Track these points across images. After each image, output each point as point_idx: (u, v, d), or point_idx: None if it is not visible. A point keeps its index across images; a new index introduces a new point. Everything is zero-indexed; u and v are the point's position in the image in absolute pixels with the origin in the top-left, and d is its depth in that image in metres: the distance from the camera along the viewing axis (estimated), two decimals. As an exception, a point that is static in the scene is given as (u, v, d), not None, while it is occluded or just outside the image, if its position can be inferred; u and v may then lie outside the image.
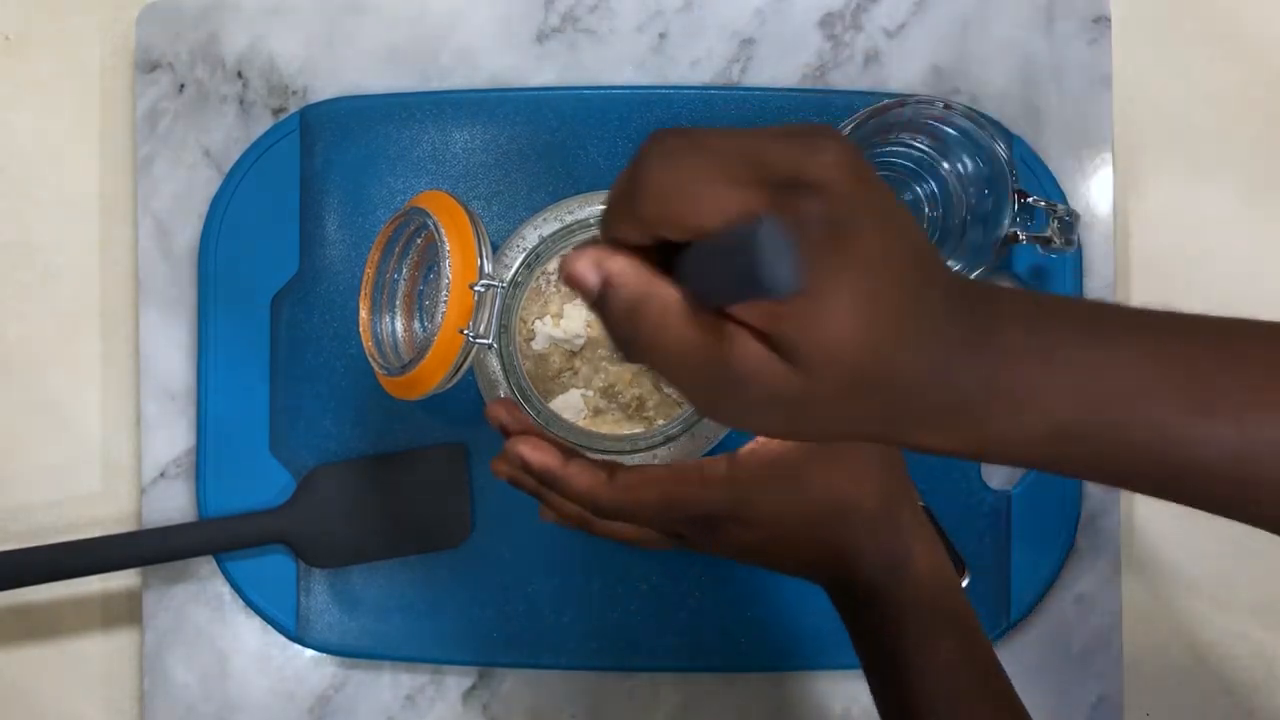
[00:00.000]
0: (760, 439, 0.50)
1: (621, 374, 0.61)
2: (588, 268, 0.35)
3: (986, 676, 0.49)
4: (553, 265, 0.62)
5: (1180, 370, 0.35)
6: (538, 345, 0.61)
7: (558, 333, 0.61)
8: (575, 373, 0.62)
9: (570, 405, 0.61)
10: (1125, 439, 0.35)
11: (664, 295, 0.34)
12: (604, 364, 0.61)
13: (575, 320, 0.61)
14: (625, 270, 0.35)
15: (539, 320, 0.61)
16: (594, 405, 0.61)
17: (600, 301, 0.36)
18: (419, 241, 0.61)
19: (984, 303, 0.35)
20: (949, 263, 0.62)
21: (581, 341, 0.61)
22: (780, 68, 0.68)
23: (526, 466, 0.50)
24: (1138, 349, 0.35)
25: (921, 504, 0.64)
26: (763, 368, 0.33)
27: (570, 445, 0.50)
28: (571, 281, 0.36)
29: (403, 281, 0.62)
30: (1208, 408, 0.35)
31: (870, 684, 0.50)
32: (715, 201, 0.32)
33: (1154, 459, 0.36)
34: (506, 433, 0.51)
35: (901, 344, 0.33)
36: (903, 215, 0.35)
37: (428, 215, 0.57)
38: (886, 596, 0.49)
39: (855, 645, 0.51)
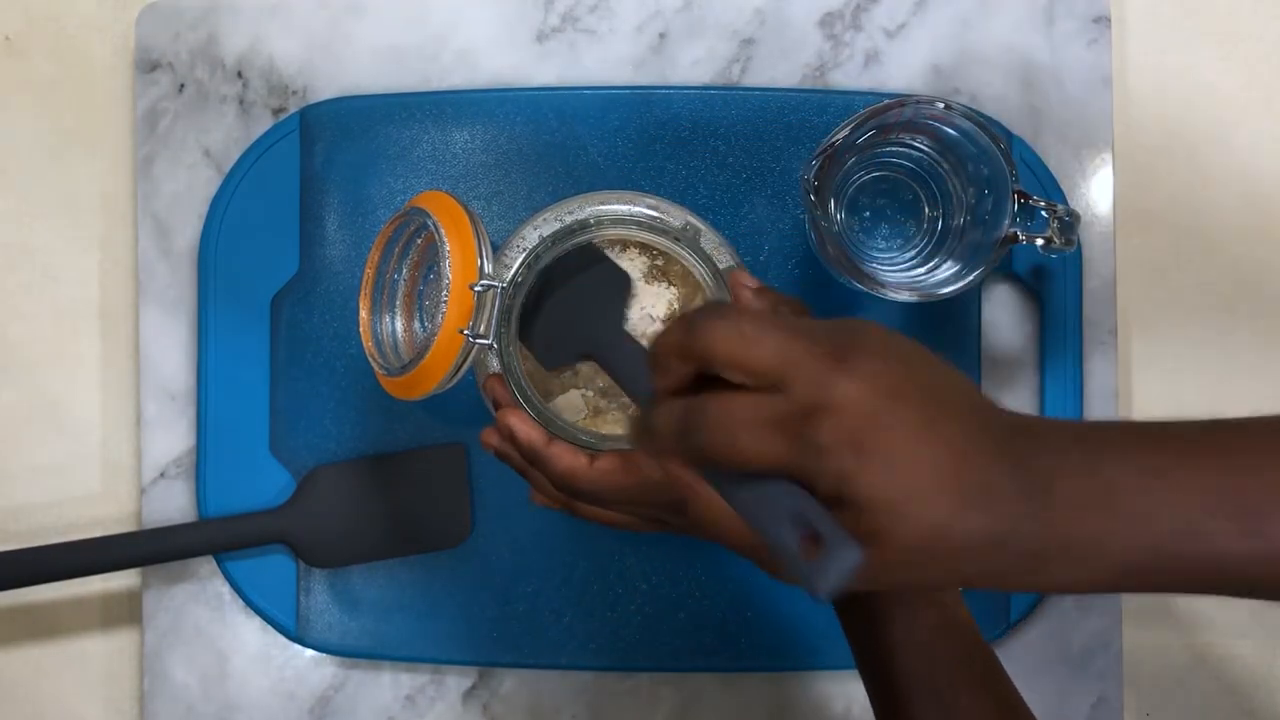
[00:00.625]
0: None
1: None
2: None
3: (969, 649, 0.49)
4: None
5: (1231, 501, 0.37)
6: None
7: None
8: (575, 372, 0.62)
9: (570, 405, 0.61)
10: (1186, 569, 0.37)
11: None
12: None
13: None
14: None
15: None
16: (594, 405, 0.61)
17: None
18: (419, 242, 0.61)
19: (1033, 446, 0.37)
20: (947, 263, 0.62)
21: None
22: (780, 68, 0.68)
23: (513, 438, 0.52)
24: (1189, 484, 0.37)
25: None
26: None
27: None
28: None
29: (403, 282, 0.62)
30: (1260, 534, 0.37)
31: (859, 668, 0.51)
32: (751, 446, 0.36)
33: (1216, 582, 0.38)
34: (499, 406, 0.53)
35: (959, 513, 0.35)
36: (942, 376, 0.37)
37: (428, 215, 0.57)
38: None
39: (844, 629, 0.51)
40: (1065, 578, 0.37)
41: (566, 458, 0.51)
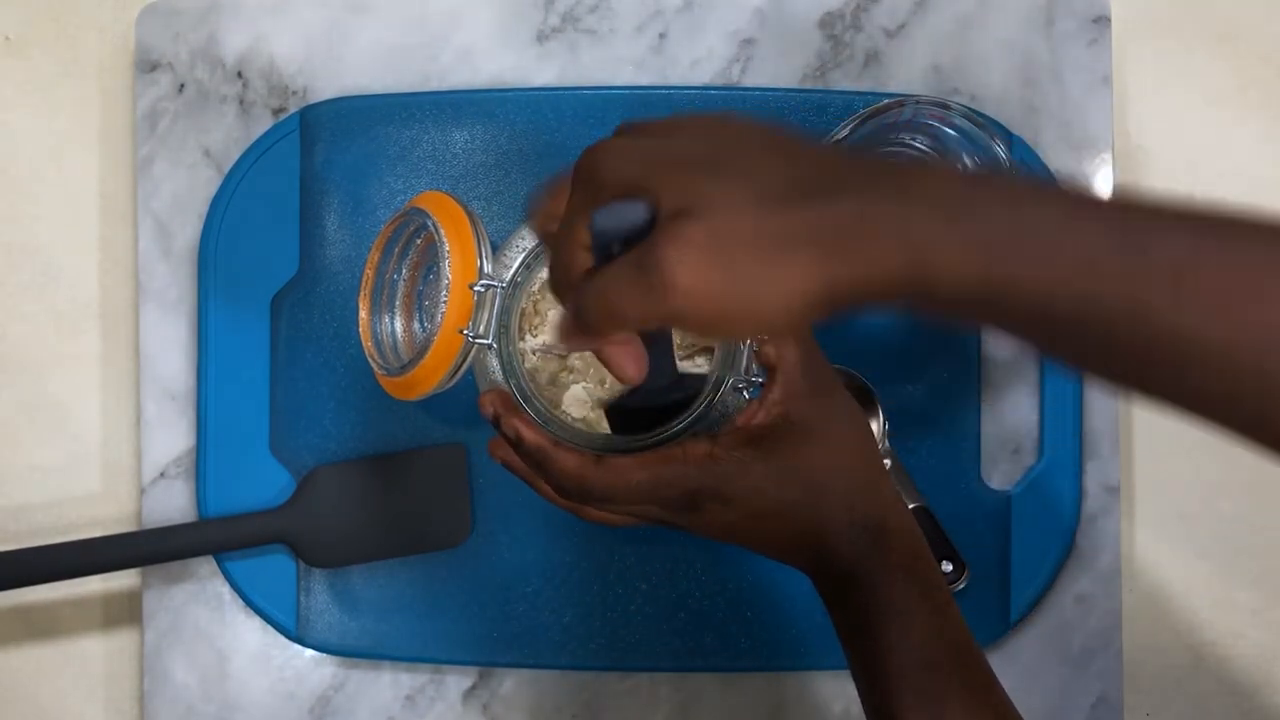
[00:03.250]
0: (742, 418, 0.50)
1: None
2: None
3: (963, 655, 0.49)
4: (538, 286, 0.62)
5: (1118, 224, 0.36)
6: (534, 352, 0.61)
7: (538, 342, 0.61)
8: (570, 370, 0.62)
9: (575, 399, 0.61)
10: (1056, 263, 0.36)
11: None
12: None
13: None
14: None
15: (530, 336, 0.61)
16: (597, 397, 0.61)
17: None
18: (419, 242, 0.61)
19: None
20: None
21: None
22: (780, 68, 0.68)
23: (520, 442, 0.52)
24: (1072, 202, 0.37)
25: (919, 504, 0.64)
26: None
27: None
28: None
29: (402, 282, 0.62)
30: (1141, 255, 0.35)
31: (851, 666, 0.51)
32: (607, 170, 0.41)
33: (1086, 295, 0.36)
34: (498, 420, 0.53)
35: (770, 207, 0.37)
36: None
37: (427, 216, 0.57)
38: (861, 572, 0.49)
39: (836, 628, 0.51)
40: (928, 258, 0.36)
41: (574, 457, 0.51)
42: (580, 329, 0.41)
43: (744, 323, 0.38)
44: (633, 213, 0.38)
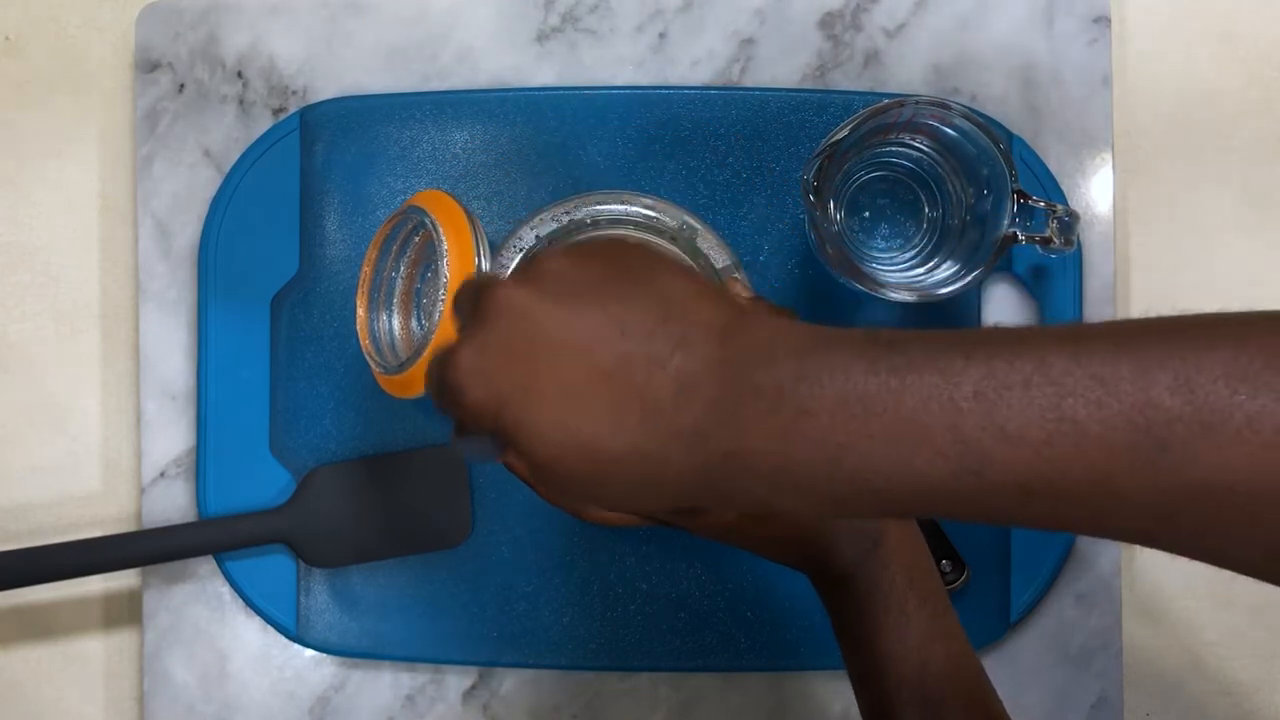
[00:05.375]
0: None
1: None
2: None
3: (960, 661, 0.49)
4: None
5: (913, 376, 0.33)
6: None
7: None
8: None
9: None
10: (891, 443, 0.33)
11: None
12: None
13: None
14: None
15: None
16: None
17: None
18: (416, 240, 0.61)
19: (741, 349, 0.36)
20: (947, 263, 0.62)
21: None
22: (780, 68, 0.68)
23: None
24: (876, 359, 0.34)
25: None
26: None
27: None
28: None
29: (400, 280, 0.62)
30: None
31: (848, 669, 0.51)
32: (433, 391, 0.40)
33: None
34: None
35: (607, 430, 0.36)
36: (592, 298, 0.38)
37: (425, 214, 0.57)
38: (861, 576, 0.49)
39: (834, 630, 0.51)
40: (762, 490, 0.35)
41: None
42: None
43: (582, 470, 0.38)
44: (486, 448, 0.40)
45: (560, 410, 0.36)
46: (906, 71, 0.68)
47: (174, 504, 0.68)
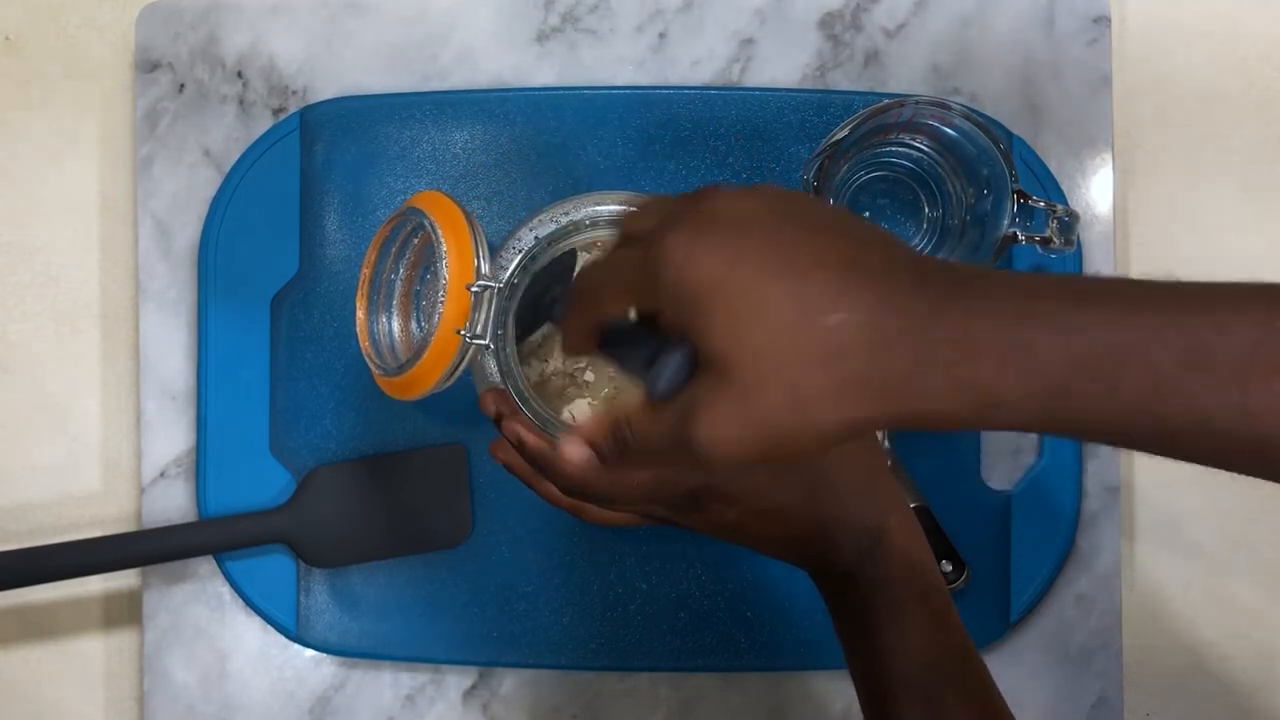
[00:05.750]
0: None
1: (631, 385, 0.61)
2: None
3: (960, 657, 0.49)
4: (552, 366, 0.62)
5: (1172, 330, 0.36)
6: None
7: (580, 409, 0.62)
8: (579, 385, 0.62)
9: (579, 412, 0.61)
10: (1120, 393, 0.36)
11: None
12: (611, 375, 0.61)
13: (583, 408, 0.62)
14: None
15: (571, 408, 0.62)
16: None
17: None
18: (416, 241, 0.61)
19: (955, 275, 0.37)
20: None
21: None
22: (780, 68, 0.68)
23: (521, 446, 0.52)
24: (1127, 313, 0.37)
25: (919, 502, 0.64)
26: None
27: None
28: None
29: (399, 282, 0.62)
30: (1206, 364, 0.35)
31: (849, 667, 0.51)
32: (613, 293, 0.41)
33: (1152, 416, 0.36)
34: (499, 420, 0.53)
35: (814, 365, 0.36)
36: (807, 228, 0.38)
37: (424, 215, 0.57)
38: (862, 573, 0.49)
39: (836, 628, 0.51)
40: (988, 389, 0.36)
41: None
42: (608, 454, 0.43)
43: (775, 459, 0.38)
44: (677, 369, 0.38)
45: (791, 284, 0.36)
46: (906, 71, 0.68)
47: (174, 504, 0.68)
